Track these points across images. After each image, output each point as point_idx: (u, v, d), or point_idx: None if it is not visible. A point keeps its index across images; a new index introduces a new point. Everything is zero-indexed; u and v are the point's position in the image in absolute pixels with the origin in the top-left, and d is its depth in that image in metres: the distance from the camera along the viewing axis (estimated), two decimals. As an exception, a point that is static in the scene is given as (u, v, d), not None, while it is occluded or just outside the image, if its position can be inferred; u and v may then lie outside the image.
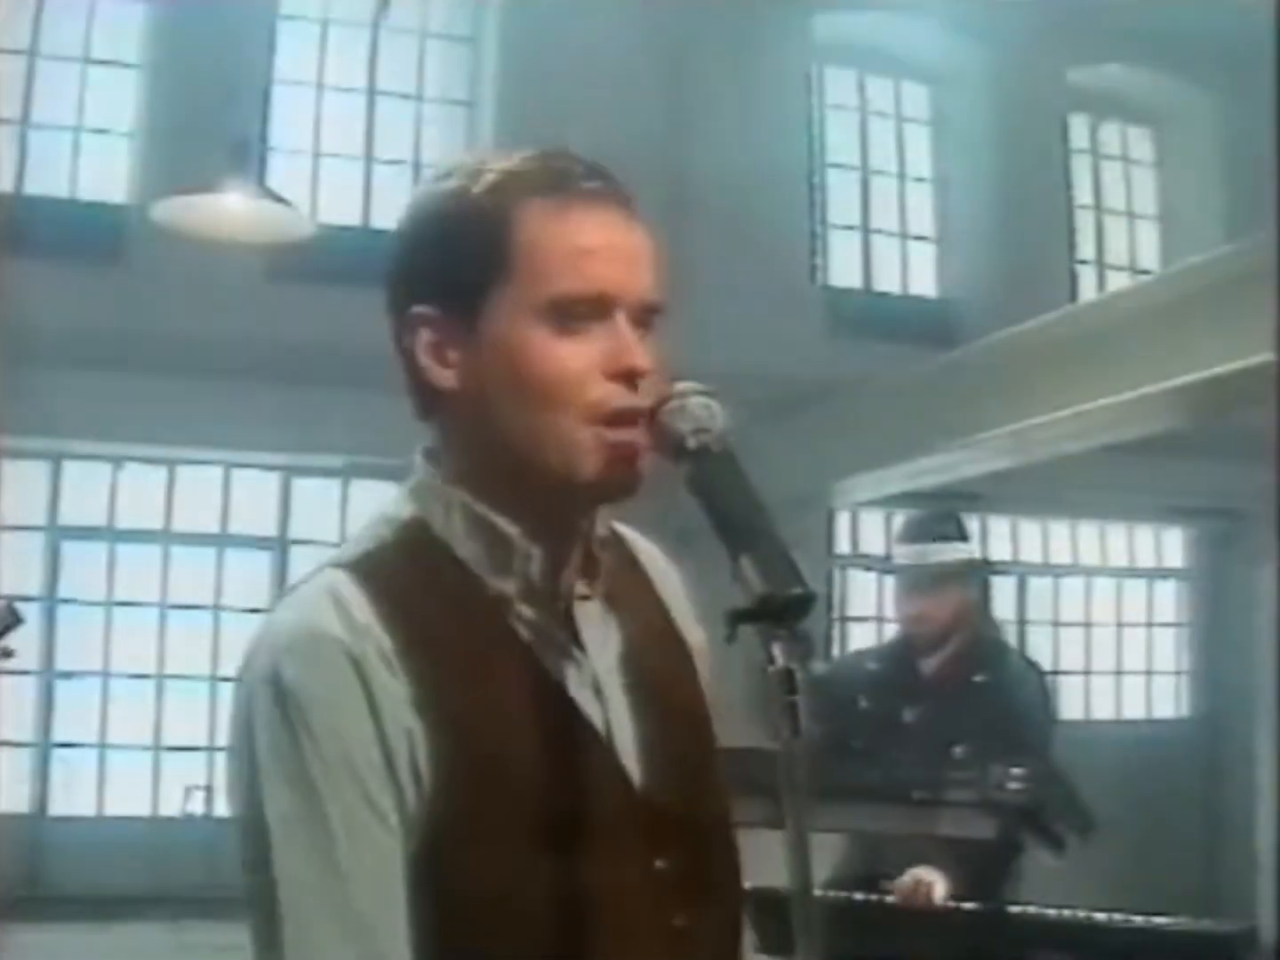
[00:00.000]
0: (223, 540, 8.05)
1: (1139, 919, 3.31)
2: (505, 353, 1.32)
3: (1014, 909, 3.39)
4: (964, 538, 4.23)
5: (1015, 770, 3.22)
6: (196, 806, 7.86)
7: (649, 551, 1.55)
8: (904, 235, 9.15)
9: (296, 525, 8.14)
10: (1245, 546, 9.09)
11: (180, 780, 7.93)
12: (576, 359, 1.31)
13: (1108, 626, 9.48)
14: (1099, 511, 8.97)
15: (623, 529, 1.50)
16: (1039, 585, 9.28)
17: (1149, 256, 9.57)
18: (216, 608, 8.01)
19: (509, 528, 1.34)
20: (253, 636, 1.36)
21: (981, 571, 4.26)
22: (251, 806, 1.27)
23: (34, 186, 7.42)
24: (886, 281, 9.14)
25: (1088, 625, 9.39)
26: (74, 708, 7.79)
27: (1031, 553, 9.23)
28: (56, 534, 7.81)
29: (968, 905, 3.40)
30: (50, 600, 7.76)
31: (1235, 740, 9.20)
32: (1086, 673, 9.37)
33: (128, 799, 7.98)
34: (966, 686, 4.05)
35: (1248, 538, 9.02)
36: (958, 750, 3.87)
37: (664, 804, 1.36)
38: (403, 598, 1.31)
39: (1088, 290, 9.34)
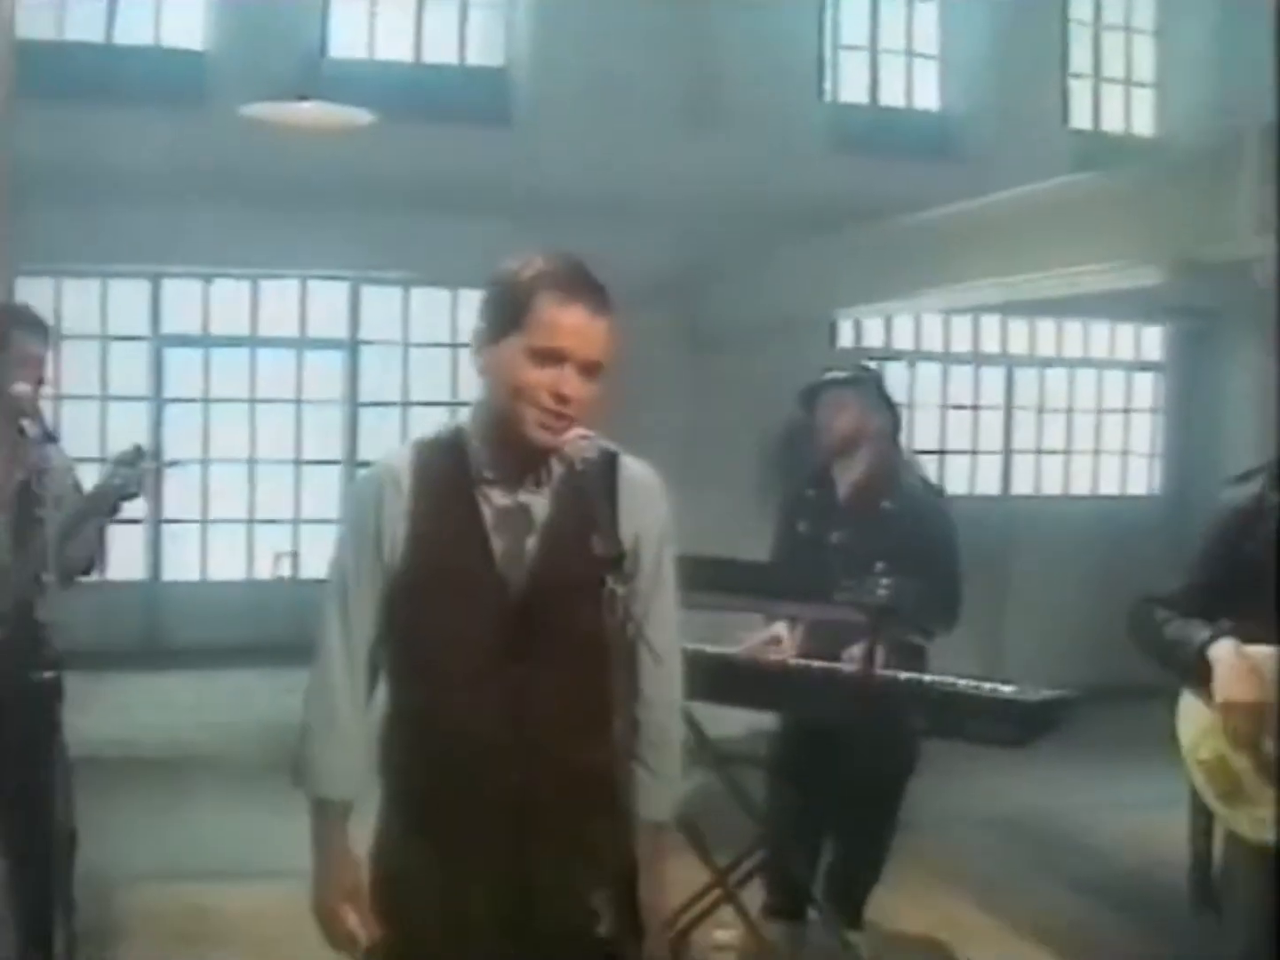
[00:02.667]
0: (301, 343, 8.82)
1: (986, 686, 4.16)
2: (506, 366, 2.39)
3: (883, 673, 4.24)
4: (863, 367, 5.09)
5: (884, 580, 4.22)
6: (284, 570, 8.75)
7: (632, 473, 2.54)
8: (910, 53, 9.49)
9: (365, 328, 8.89)
10: (1217, 342, 9.70)
11: (270, 548, 8.83)
12: (538, 379, 2.36)
13: (1089, 413, 10.03)
14: (1083, 310, 9.35)
15: (628, 461, 2.53)
16: (1025, 375, 9.88)
17: (1144, 71, 9.88)
18: (298, 401, 8.84)
19: (499, 448, 2.45)
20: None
21: (878, 390, 4.97)
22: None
23: (122, 36, 8.01)
24: (891, 97, 9.53)
25: (1070, 411, 9.98)
26: (179, 489, 8.45)
27: (1019, 346, 9.80)
28: (159, 342, 8.57)
29: (845, 669, 4.30)
30: (156, 400, 8.56)
31: (1202, 515, 9.89)
32: (1068, 453, 10.00)
33: (227, 565, 8.86)
34: (877, 512, 4.75)
35: (1220, 335, 9.65)
36: (879, 565, 4.65)
37: (524, 610, 2.40)
38: (427, 463, 2.44)
39: (1081, 105, 9.78)
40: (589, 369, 2.37)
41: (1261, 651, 2.92)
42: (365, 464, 8.55)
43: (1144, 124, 9.96)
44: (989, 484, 9.93)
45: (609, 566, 2.19)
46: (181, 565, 8.78)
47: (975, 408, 9.78)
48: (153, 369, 8.59)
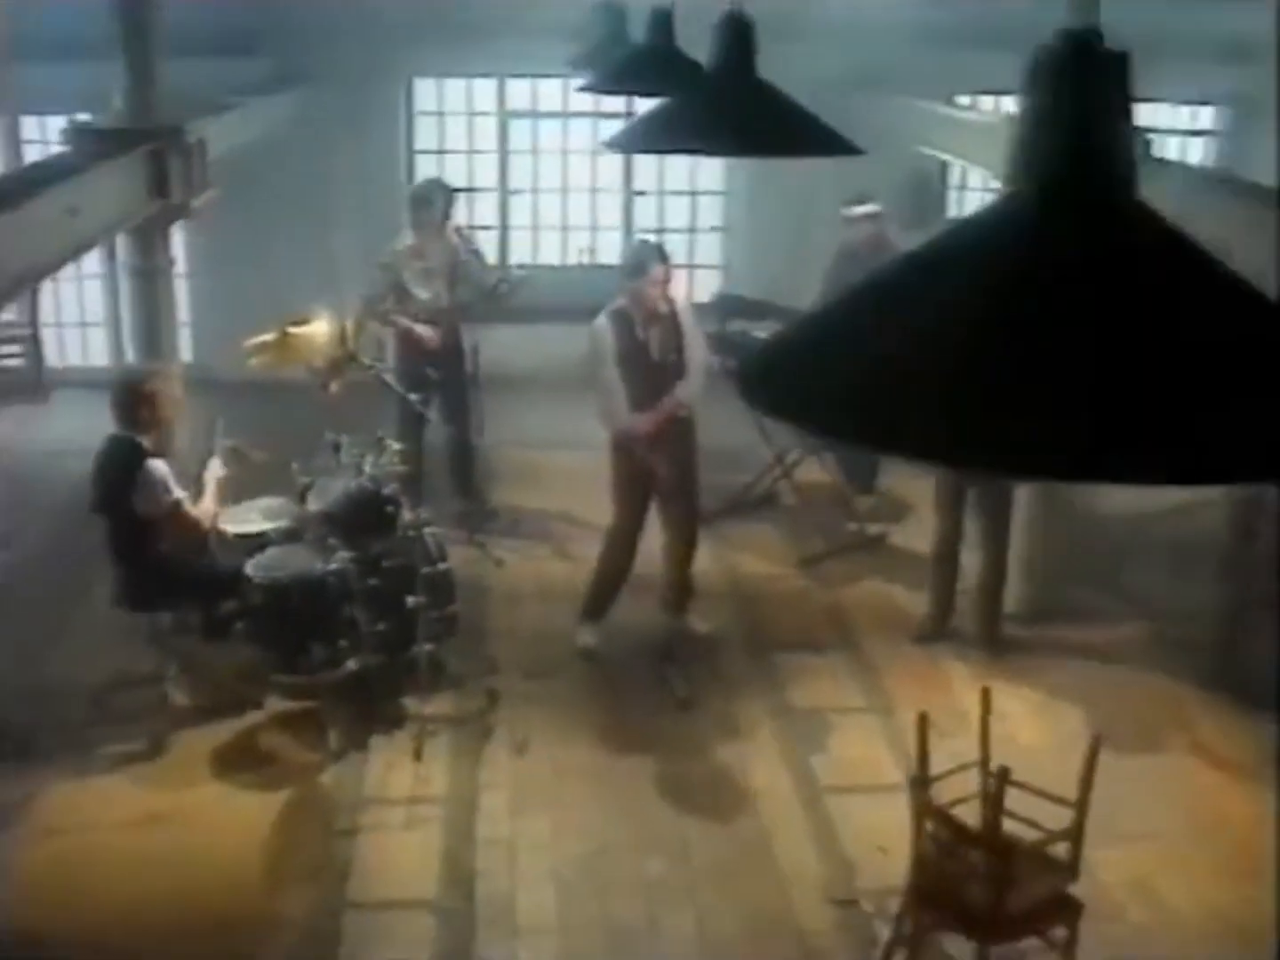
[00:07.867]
0: (596, 115, 12.37)
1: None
2: (639, 287, 6.94)
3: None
4: (868, 202, 9.01)
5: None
6: (585, 258, 12.44)
7: (682, 303, 7.20)
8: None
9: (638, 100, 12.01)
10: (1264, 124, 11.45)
11: (576, 244, 12.69)
12: (650, 292, 6.94)
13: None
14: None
15: (680, 303, 7.18)
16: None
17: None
18: (593, 151, 12.59)
19: (640, 312, 7.03)
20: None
21: (881, 217, 9.00)
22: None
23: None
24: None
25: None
26: (520, 210, 12.55)
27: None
28: (505, 115, 12.48)
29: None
30: (502, 151, 12.54)
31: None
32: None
33: (550, 253, 12.76)
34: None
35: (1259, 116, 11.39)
36: None
37: (659, 361, 7.07)
38: (614, 320, 7.06)
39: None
40: (666, 285, 6.87)
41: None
42: (639, 193, 12.77)
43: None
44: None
45: (677, 348, 6.87)
46: (520, 253, 12.65)
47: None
48: (500, 131, 12.56)
